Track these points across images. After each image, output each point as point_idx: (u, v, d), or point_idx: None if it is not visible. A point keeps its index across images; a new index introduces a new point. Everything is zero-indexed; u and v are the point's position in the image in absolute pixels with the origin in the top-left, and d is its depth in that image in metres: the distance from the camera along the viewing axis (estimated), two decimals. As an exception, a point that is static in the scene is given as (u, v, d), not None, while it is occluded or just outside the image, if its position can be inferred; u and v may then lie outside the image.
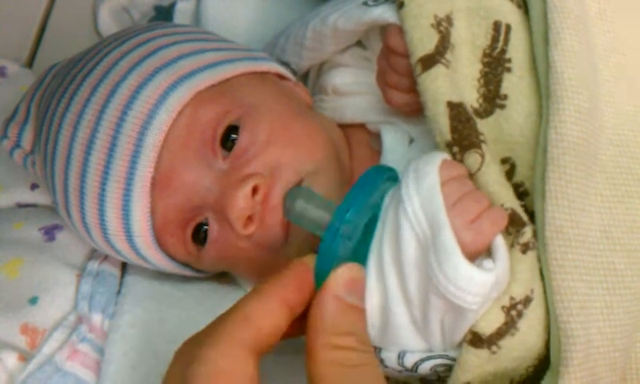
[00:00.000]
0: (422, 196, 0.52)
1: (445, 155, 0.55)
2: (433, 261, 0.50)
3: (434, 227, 0.50)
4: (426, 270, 0.51)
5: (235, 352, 0.46)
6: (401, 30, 0.60)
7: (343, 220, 0.52)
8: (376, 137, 0.69)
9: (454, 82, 0.58)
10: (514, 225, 0.54)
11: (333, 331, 0.48)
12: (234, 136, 0.61)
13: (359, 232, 0.53)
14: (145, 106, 0.60)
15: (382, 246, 0.53)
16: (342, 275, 0.50)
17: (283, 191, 0.60)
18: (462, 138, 0.56)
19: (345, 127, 0.71)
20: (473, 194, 0.53)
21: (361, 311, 0.51)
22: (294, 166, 0.62)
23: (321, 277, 0.50)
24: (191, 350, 0.47)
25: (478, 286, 0.50)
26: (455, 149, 0.56)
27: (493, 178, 0.55)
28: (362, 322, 0.51)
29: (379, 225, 0.54)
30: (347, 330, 0.49)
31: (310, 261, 0.51)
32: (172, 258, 0.66)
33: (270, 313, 0.48)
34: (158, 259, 0.65)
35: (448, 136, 0.56)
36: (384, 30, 0.63)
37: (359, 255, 0.53)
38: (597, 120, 0.58)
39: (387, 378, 0.59)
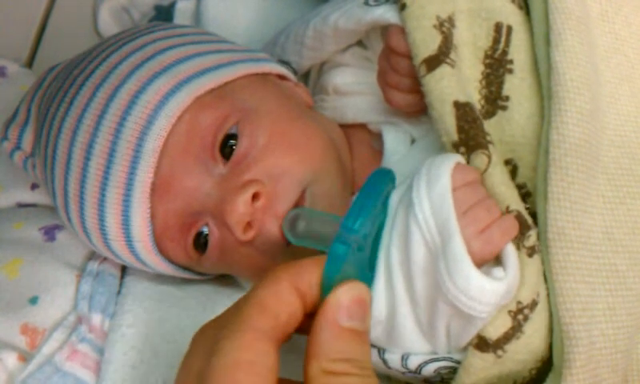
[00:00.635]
0: (433, 201, 0.51)
1: (458, 158, 0.55)
2: (442, 269, 0.50)
3: (444, 235, 0.50)
4: (435, 277, 0.50)
5: (253, 343, 0.44)
6: (402, 31, 0.60)
7: (352, 230, 0.49)
8: (377, 137, 0.69)
9: (460, 82, 0.57)
10: (520, 228, 0.53)
11: (328, 357, 0.45)
12: (232, 142, 0.61)
13: (370, 242, 0.51)
14: (144, 112, 0.60)
15: (390, 248, 0.53)
16: (343, 296, 0.47)
17: (284, 207, 0.59)
18: (469, 138, 0.55)
19: (346, 127, 0.71)
20: (485, 202, 0.53)
21: (361, 334, 0.47)
22: (294, 173, 0.61)
23: (327, 288, 0.48)
24: (210, 340, 0.46)
25: (489, 295, 0.50)
26: (462, 149, 0.56)
27: (499, 179, 0.55)
28: (362, 345, 0.47)
29: (387, 226, 0.54)
30: (344, 356, 0.46)
31: (322, 264, 0.48)
32: (172, 262, 0.65)
33: (283, 299, 0.47)
34: (158, 263, 0.65)
35: (455, 136, 0.56)
36: (385, 30, 0.63)
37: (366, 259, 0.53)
38: (598, 121, 0.57)
39: (389, 378, 0.60)
